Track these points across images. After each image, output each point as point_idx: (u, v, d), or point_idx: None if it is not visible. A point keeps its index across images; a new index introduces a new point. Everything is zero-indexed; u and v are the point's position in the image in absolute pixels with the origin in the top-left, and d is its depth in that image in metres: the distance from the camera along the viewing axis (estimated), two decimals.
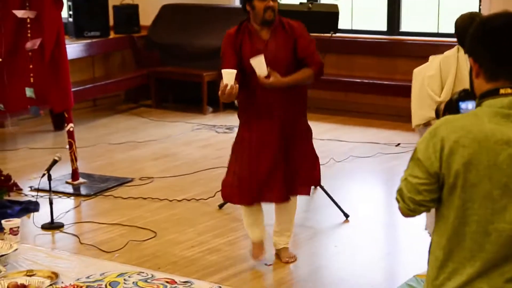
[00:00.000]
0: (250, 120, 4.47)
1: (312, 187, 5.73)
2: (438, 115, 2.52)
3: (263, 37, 4.39)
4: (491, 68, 2.20)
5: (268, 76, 4.23)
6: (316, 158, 4.63)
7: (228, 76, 4.17)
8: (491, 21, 2.21)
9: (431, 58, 4.48)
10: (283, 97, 4.38)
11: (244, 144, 4.46)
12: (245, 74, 4.35)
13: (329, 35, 5.71)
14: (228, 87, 4.14)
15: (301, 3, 5.77)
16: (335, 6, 5.77)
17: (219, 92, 4.20)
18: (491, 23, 2.20)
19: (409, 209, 2.26)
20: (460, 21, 4.26)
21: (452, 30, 4.33)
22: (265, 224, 4.63)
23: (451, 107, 2.49)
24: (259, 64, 4.23)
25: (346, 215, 5.28)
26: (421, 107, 4.40)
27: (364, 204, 5.68)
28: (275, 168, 4.40)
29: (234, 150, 4.55)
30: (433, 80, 4.34)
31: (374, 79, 8.39)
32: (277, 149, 4.40)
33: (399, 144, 7.22)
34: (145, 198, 5.73)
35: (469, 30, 2.25)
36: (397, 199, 2.28)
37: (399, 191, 2.27)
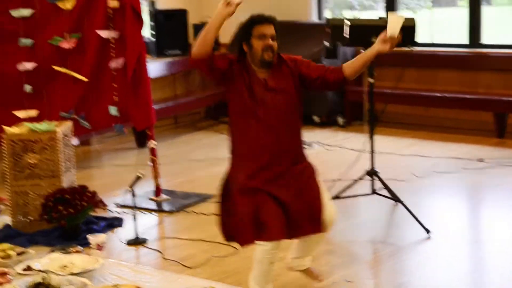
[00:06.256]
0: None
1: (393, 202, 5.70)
2: None
3: (261, 76, 3.96)
4: None
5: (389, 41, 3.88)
6: (317, 198, 3.94)
7: None
8: None
9: None
10: (279, 139, 3.92)
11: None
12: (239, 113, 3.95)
13: (408, 49, 5.66)
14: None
15: (380, 18, 5.74)
16: (412, 20, 5.70)
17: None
18: None
19: None
20: None
21: None
22: None
23: None
24: (396, 23, 3.84)
25: (428, 231, 5.21)
26: None
27: (446, 220, 5.58)
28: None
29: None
30: None
31: (456, 93, 8.26)
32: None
33: (482, 159, 7.09)
34: None
35: None
36: None
37: None
